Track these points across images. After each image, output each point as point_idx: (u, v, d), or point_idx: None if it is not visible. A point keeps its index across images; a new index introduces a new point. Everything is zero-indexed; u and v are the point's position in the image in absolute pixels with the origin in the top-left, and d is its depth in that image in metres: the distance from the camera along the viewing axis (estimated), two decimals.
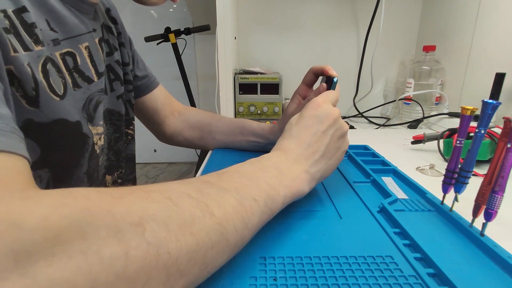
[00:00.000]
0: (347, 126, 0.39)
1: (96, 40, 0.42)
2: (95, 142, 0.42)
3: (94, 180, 0.43)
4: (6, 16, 0.30)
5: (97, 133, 0.42)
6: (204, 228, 0.21)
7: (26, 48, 0.31)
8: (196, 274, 0.21)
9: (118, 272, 0.16)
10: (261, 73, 0.95)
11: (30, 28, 0.32)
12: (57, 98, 0.34)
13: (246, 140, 0.59)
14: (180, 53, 1.50)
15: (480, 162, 0.52)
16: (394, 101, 0.98)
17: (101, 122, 0.43)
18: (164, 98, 0.63)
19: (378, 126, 0.90)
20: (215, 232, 0.22)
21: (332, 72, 0.43)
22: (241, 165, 0.31)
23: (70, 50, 0.37)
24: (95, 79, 0.40)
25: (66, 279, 0.14)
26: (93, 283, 0.15)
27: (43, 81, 0.33)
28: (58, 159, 0.36)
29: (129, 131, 0.55)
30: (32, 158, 0.33)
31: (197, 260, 0.20)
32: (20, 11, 0.31)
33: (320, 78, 0.48)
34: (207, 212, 0.22)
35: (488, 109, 0.29)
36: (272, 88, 0.93)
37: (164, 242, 0.18)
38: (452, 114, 0.80)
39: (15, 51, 0.30)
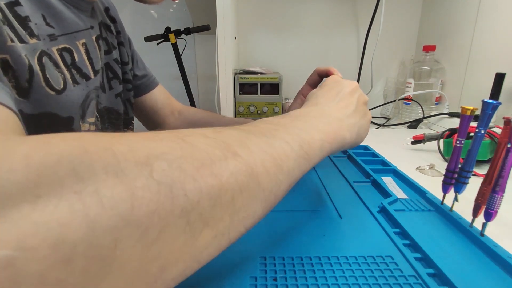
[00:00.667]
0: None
1: (93, 38, 0.42)
2: None
3: None
4: None
5: (85, 130, 0.41)
6: (226, 168, 0.18)
7: (21, 40, 0.30)
8: (227, 223, 0.18)
9: (124, 216, 0.13)
10: (261, 73, 0.95)
11: (24, 21, 0.31)
12: (53, 92, 0.34)
13: None
14: (180, 53, 1.49)
15: (480, 162, 0.52)
16: (394, 101, 0.98)
17: (93, 120, 0.42)
18: (164, 98, 0.63)
19: (378, 126, 0.90)
20: (241, 173, 0.19)
21: (337, 74, 0.42)
22: (268, 118, 0.28)
23: (67, 46, 0.37)
24: (92, 76, 0.40)
25: (57, 223, 0.12)
26: (92, 228, 0.12)
27: (40, 73, 0.32)
28: None
29: (128, 131, 0.54)
30: None
31: (223, 205, 0.17)
32: (13, 4, 0.30)
33: (324, 79, 0.48)
34: (229, 152, 0.19)
35: (488, 109, 0.29)
36: (272, 88, 0.93)
37: (178, 182, 0.15)
38: (452, 114, 0.80)
39: (12, 41, 0.29)
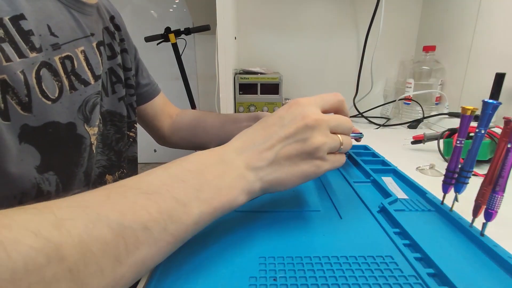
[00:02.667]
0: (325, 144, 0.29)
1: (94, 44, 0.43)
2: (93, 142, 0.42)
3: (90, 179, 0.43)
4: (1, 24, 0.30)
5: (94, 133, 0.43)
6: (41, 280, 0.16)
7: (21, 55, 0.32)
8: None
9: None
10: (261, 73, 0.95)
11: (26, 35, 0.32)
12: (49, 102, 0.35)
13: (238, 127, 0.58)
14: (180, 53, 1.50)
15: (480, 162, 0.52)
16: (394, 101, 0.98)
17: (97, 123, 0.43)
18: (164, 104, 0.67)
19: (378, 126, 0.90)
20: (61, 282, 0.17)
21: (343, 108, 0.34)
22: (153, 171, 0.26)
23: (69, 54, 0.38)
24: (92, 81, 0.41)
25: None
26: None
27: (36, 86, 0.33)
28: (59, 160, 0.37)
29: (131, 134, 0.55)
30: (35, 163, 0.34)
31: None
32: (18, 18, 0.32)
33: None
34: (55, 257, 0.17)
35: (489, 109, 0.29)
36: (272, 88, 0.93)
37: None
38: (452, 114, 0.80)
39: (8, 60, 0.30)
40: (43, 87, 0.34)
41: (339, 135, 0.31)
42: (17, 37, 0.31)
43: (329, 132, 0.30)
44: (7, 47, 0.30)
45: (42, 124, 0.34)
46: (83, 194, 0.22)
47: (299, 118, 0.29)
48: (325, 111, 0.31)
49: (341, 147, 0.31)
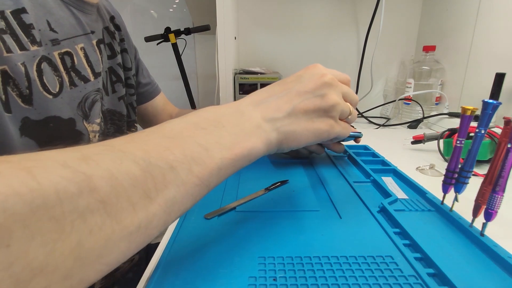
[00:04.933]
0: (339, 104, 0.31)
1: (94, 42, 0.43)
2: (91, 139, 0.42)
3: None
4: (3, 17, 0.30)
5: (93, 130, 0.43)
6: (75, 209, 0.16)
7: (22, 47, 0.32)
8: (75, 272, 0.16)
9: None
10: (261, 73, 0.95)
11: (27, 28, 0.33)
12: (50, 96, 0.35)
13: None
14: (180, 53, 1.50)
15: (480, 162, 0.52)
16: (394, 101, 0.98)
17: (97, 121, 0.43)
18: (164, 104, 0.67)
19: (378, 126, 0.90)
20: (95, 213, 0.17)
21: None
22: (172, 120, 0.26)
23: (68, 50, 0.38)
24: (92, 78, 0.41)
25: None
26: None
27: (37, 79, 0.33)
28: None
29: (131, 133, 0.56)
30: None
31: (64, 250, 0.15)
32: (19, 11, 0.32)
33: None
34: (86, 187, 0.17)
35: (489, 109, 0.29)
36: None
37: (17, 245, 0.14)
38: (452, 114, 0.80)
39: (9, 51, 0.30)
40: (44, 80, 0.34)
41: (348, 103, 0.33)
42: (18, 30, 0.32)
43: (342, 96, 0.32)
44: (8, 38, 0.31)
45: (43, 118, 0.34)
46: (107, 140, 0.22)
47: (317, 76, 0.30)
48: None
49: (349, 116, 0.33)
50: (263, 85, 0.93)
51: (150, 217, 0.19)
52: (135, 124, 0.57)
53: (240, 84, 0.92)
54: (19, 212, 0.14)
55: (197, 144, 0.23)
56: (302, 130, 0.29)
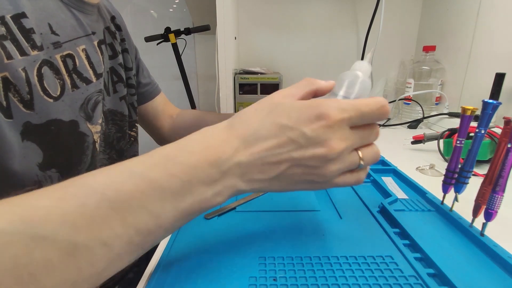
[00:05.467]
0: (336, 170, 0.24)
1: (95, 43, 0.43)
2: (96, 140, 0.43)
3: None
4: (3, 22, 0.30)
5: (96, 131, 0.43)
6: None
7: (22, 52, 0.32)
8: None
9: None
10: (261, 73, 0.95)
11: (27, 33, 0.33)
12: (51, 100, 0.35)
13: None
14: (180, 53, 1.49)
15: (480, 162, 0.52)
16: (394, 101, 0.98)
17: (100, 121, 0.44)
18: (164, 104, 0.67)
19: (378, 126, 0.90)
20: None
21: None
22: (128, 169, 0.22)
23: (70, 52, 0.38)
24: (94, 80, 0.41)
25: None
26: None
27: (37, 84, 0.33)
28: (61, 158, 0.37)
29: (132, 133, 0.56)
30: (37, 160, 0.34)
31: None
32: (19, 16, 0.32)
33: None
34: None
35: (489, 109, 0.29)
36: (272, 88, 0.93)
37: None
38: (452, 114, 0.80)
39: (9, 57, 0.31)
40: (45, 85, 0.34)
41: (359, 151, 0.25)
42: (19, 35, 0.32)
43: (348, 155, 0.25)
44: (9, 44, 0.31)
45: (44, 121, 0.34)
46: (36, 193, 0.20)
47: (321, 144, 0.24)
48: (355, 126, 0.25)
49: (361, 162, 0.25)
50: (263, 85, 0.93)
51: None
52: (136, 124, 0.57)
53: (240, 84, 0.92)
54: None
55: (147, 212, 0.21)
56: (279, 189, 0.26)
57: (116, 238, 0.20)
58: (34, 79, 0.33)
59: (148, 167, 0.22)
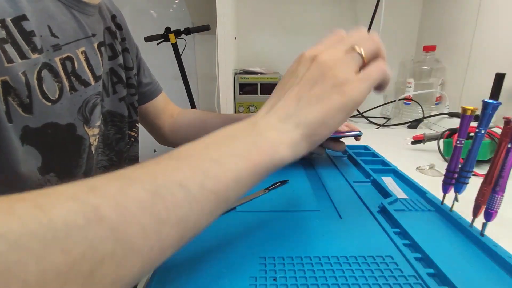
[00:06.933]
0: (337, 59, 0.26)
1: (95, 45, 0.43)
2: (92, 143, 0.42)
3: None
4: (3, 26, 0.30)
5: (93, 134, 0.43)
6: (84, 239, 0.16)
7: (23, 56, 0.32)
8: None
9: None
10: (261, 73, 0.95)
11: (28, 36, 0.32)
12: (49, 103, 0.35)
13: None
14: (180, 53, 1.49)
15: (480, 162, 0.52)
16: (394, 101, 0.98)
17: (97, 124, 0.43)
18: (165, 103, 0.67)
19: (378, 126, 0.90)
20: (104, 241, 0.17)
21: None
22: (183, 145, 0.24)
23: (69, 54, 0.38)
24: (92, 82, 0.41)
25: None
26: None
27: (37, 87, 0.33)
28: (59, 162, 0.37)
29: (132, 133, 0.56)
30: (37, 164, 0.34)
31: (77, 281, 0.16)
32: (20, 19, 0.32)
33: None
34: (94, 218, 0.17)
35: (489, 109, 0.29)
36: (272, 88, 0.93)
37: (17, 266, 0.14)
38: (452, 114, 0.80)
39: (10, 61, 0.30)
40: (44, 88, 0.34)
41: (356, 46, 0.27)
42: (19, 38, 0.32)
43: (341, 51, 0.27)
44: (9, 48, 0.30)
45: (41, 125, 0.34)
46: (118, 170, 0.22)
47: (309, 61, 0.27)
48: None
49: (356, 48, 0.27)
50: (263, 85, 0.93)
51: (163, 238, 0.19)
52: (136, 125, 0.57)
53: (240, 84, 0.92)
54: (33, 248, 0.15)
55: (208, 159, 0.22)
56: (324, 112, 0.26)
57: (189, 179, 0.21)
58: (34, 83, 0.33)
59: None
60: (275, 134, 0.25)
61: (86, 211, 0.17)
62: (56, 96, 0.36)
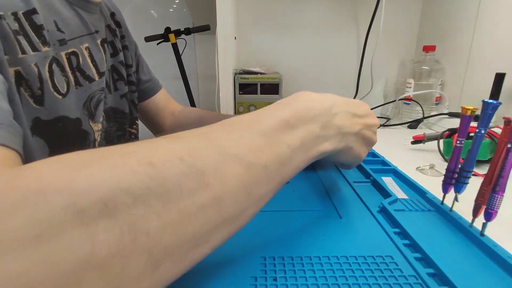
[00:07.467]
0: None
1: (98, 41, 0.44)
2: (96, 138, 0.43)
3: None
4: (16, 18, 0.31)
5: (97, 129, 0.43)
6: (194, 202, 0.18)
7: (34, 48, 0.32)
8: (186, 253, 0.18)
9: (84, 260, 0.13)
10: (261, 73, 0.95)
11: (38, 29, 0.33)
12: (60, 96, 0.35)
13: None
14: (180, 53, 1.49)
15: (480, 162, 0.52)
16: (394, 101, 0.98)
17: (101, 119, 0.44)
18: (166, 101, 0.66)
19: (378, 126, 0.90)
20: (209, 208, 0.18)
21: None
22: (262, 112, 0.26)
23: (74, 50, 0.39)
24: (96, 78, 0.42)
25: (16, 274, 0.12)
26: (51, 274, 0.13)
27: (48, 80, 0.34)
28: None
29: (133, 130, 0.56)
30: (43, 157, 0.34)
31: (185, 238, 0.17)
32: (31, 13, 0.32)
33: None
34: (202, 183, 0.18)
35: (488, 109, 0.29)
36: (272, 88, 0.93)
37: (141, 221, 0.15)
38: (452, 114, 0.80)
39: (23, 52, 0.31)
40: (55, 81, 0.35)
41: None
42: (30, 31, 0.32)
43: None
44: (22, 40, 0.31)
45: (52, 118, 0.35)
46: (201, 128, 0.23)
47: (374, 117, 0.36)
48: None
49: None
50: (263, 85, 0.93)
51: (246, 211, 0.22)
52: (137, 122, 0.57)
53: (240, 84, 0.92)
54: (153, 204, 0.16)
55: (285, 145, 0.25)
56: (355, 150, 0.33)
57: (271, 163, 0.23)
58: (46, 75, 0.33)
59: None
60: (332, 137, 0.29)
61: (194, 175, 0.18)
62: (65, 90, 0.36)
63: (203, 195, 0.18)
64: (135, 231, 0.15)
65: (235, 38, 0.95)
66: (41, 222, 0.13)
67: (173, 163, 0.18)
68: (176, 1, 1.97)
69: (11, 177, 0.14)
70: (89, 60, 0.41)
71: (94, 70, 0.41)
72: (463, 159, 0.33)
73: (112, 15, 0.52)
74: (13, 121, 0.24)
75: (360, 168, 0.50)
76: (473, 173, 0.33)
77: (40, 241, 0.13)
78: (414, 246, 0.29)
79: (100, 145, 0.46)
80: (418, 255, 0.28)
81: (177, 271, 0.18)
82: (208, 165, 0.19)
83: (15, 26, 0.30)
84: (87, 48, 0.41)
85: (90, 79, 0.41)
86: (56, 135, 0.35)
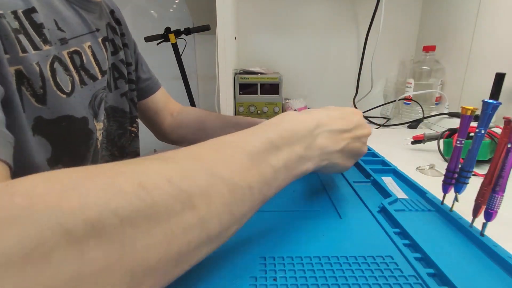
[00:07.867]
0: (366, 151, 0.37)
1: (100, 40, 0.43)
2: (98, 137, 0.43)
3: None
4: (16, 17, 0.31)
5: (100, 128, 0.43)
6: (180, 223, 0.18)
7: (35, 47, 0.32)
8: (168, 271, 0.19)
9: (67, 278, 0.14)
10: (261, 73, 0.95)
11: (38, 28, 0.33)
12: (64, 95, 0.35)
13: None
14: (180, 53, 1.49)
15: (480, 162, 0.52)
16: (394, 101, 0.98)
17: (103, 118, 0.44)
18: (165, 100, 0.66)
19: (378, 126, 0.90)
20: (194, 228, 0.19)
21: None
22: (252, 133, 0.27)
23: (77, 48, 0.39)
24: (99, 76, 0.42)
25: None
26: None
27: (50, 79, 0.34)
28: (68, 154, 0.38)
29: (133, 129, 0.56)
30: (46, 156, 0.35)
31: (169, 257, 0.18)
32: (30, 11, 0.32)
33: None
34: (189, 205, 0.19)
35: (489, 109, 0.29)
36: (272, 88, 0.93)
37: (128, 241, 0.16)
38: (452, 114, 0.80)
39: (24, 51, 0.31)
40: (58, 80, 0.35)
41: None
42: (31, 30, 0.32)
43: None
44: (23, 38, 0.31)
45: (55, 117, 0.35)
46: (192, 147, 0.24)
47: (365, 126, 0.35)
48: None
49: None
50: (263, 85, 0.93)
51: (229, 229, 0.22)
52: (137, 120, 0.57)
53: (240, 84, 0.92)
54: (140, 225, 0.16)
55: (270, 166, 0.25)
56: (340, 164, 0.33)
57: (255, 183, 0.24)
58: (48, 74, 0.33)
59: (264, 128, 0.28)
60: (315, 157, 0.30)
61: (182, 199, 0.19)
62: (69, 89, 0.36)
63: (189, 216, 0.19)
64: (122, 251, 0.15)
65: (235, 38, 0.95)
66: (29, 241, 0.13)
67: (162, 185, 0.18)
68: (176, 1, 1.97)
69: None
70: (92, 59, 0.41)
71: (97, 69, 0.41)
72: (463, 159, 0.33)
73: (112, 12, 0.52)
74: (3, 130, 0.24)
75: (360, 168, 0.50)
76: (473, 173, 0.33)
77: (27, 260, 0.13)
78: (414, 246, 0.29)
79: (102, 143, 0.46)
80: (418, 255, 0.28)
81: (158, 287, 0.19)
82: (195, 188, 0.20)
83: (15, 24, 0.30)
84: (90, 47, 0.41)
85: (94, 78, 0.41)
86: (59, 134, 0.35)
